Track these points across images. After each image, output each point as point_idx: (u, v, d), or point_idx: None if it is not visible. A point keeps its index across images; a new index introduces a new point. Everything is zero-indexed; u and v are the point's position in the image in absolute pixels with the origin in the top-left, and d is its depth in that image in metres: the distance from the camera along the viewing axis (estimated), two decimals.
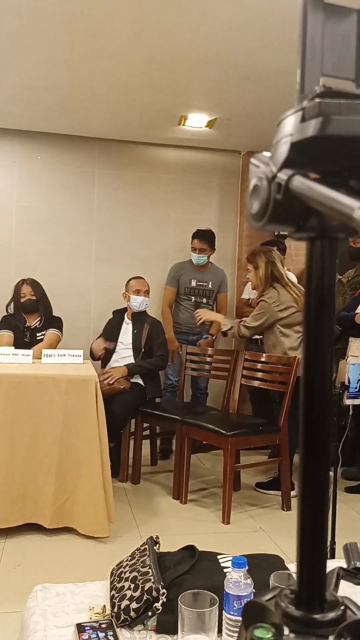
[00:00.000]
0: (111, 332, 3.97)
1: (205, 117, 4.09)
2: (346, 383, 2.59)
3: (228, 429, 3.14)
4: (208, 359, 4.07)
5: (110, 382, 3.63)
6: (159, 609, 1.22)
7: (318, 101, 0.41)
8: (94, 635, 1.16)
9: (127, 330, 3.96)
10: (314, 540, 0.46)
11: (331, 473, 1.57)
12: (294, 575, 1.13)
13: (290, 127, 0.43)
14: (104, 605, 1.28)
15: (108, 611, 1.26)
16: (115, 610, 1.24)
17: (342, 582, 0.57)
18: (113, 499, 2.83)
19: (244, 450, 3.59)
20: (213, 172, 4.95)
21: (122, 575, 1.36)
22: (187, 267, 4.44)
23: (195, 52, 3.03)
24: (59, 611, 1.27)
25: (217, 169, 4.96)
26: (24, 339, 3.78)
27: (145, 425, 3.85)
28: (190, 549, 1.47)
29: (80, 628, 1.18)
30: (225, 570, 1.33)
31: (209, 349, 4.16)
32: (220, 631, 1.13)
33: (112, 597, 1.30)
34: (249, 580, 1.16)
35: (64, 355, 3.28)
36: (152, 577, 1.28)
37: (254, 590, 1.16)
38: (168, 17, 2.66)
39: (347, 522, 2.92)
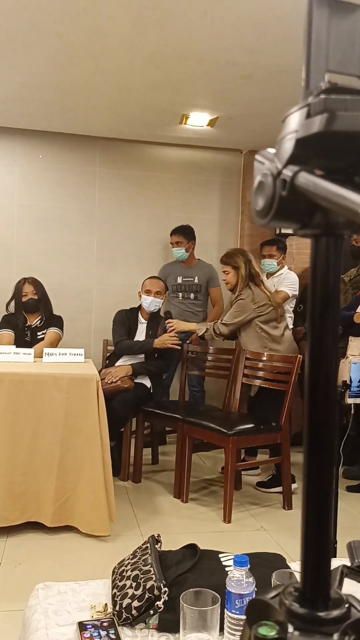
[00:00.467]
0: (124, 332, 3.93)
1: (206, 116, 4.09)
2: (348, 382, 2.59)
3: (229, 428, 3.14)
4: (209, 358, 4.06)
5: (114, 381, 3.62)
6: (160, 608, 1.22)
7: (323, 97, 0.40)
8: (95, 634, 1.16)
9: (141, 330, 3.94)
10: (318, 538, 0.46)
11: None
12: (296, 574, 1.13)
13: (295, 123, 0.43)
14: (106, 604, 1.28)
15: (110, 609, 1.26)
16: (117, 608, 1.24)
17: (346, 580, 0.57)
18: (114, 497, 2.83)
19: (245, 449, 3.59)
20: (214, 171, 4.95)
21: (124, 573, 1.36)
22: (174, 266, 4.52)
23: (197, 51, 3.03)
24: (61, 609, 1.27)
25: (219, 168, 4.96)
26: (25, 338, 3.78)
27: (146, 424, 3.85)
28: (192, 547, 1.47)
29: (82, 626, 1.18)
30: (226, 568, 1.33)
31: (210, 348, 4.16)
32: (222, 630, 1.13)
33: (113, 596, 1.30)
34: (251, 579, 1.16)
35: (65, 354, 3.28)
36: (153, 576, 1.28)
37: (255, 589, 1.16)
38: (169, 15, 2.66)
39: (348, 521, 2.92)
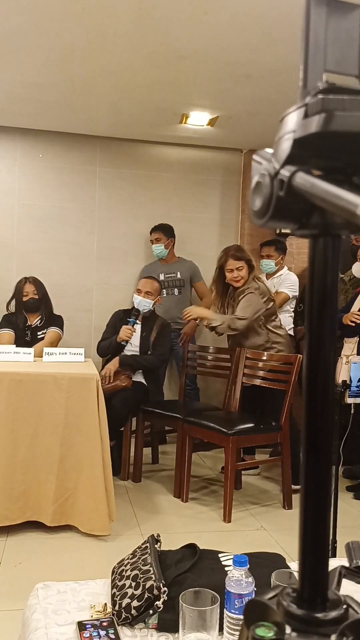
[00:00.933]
0: (112, 332, 3.93)
1: (206, 115, 4.08)
2: (347, 382, 2.59)
3: (229, 428, 3.14)
4: (209, 357, 4.06)
5: (111, 382, 3.62)
6: (160, 607, 1.22)
7: (321, 97, 0.40)
8: (95, 633, 1.16)
9: (136, 331, 3.91)
10: (316, 538, 0.46)
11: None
12: (296, 574, 1.13)
13: (293, 123, 0.42)
14: (105, 604, 1.28)
15: (109, 609, 1.26)
16: (117, 608, 1.25)
17: (344, 581, 0.57)
18: (114, 497, 2.83)
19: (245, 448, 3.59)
20: (214, 170, 4.95)
21: (124, 573, 1.36)
22: (155, 265, 4.56)
23: (197, 50, 3.03)
24: (60, 609, 1.27)
25: (219, 167, 4.95)
26: (25, 338, 3.78)
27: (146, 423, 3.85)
28: (192, 547, 1.47)
29: (82, 626, 1.18)
30: (226, 568, 1.33)
31: (210, 347, 4.16)
32: (221, 630, 1.13)
33: (113, 595, 1.30)
34: (250, 579, 1.16)
35: (66, 353, 3.28)
36: (153, 576, 1.28)
37: (255, 589, 1.16)
38: (169, 15, 2.66)
39: (347, 521, 2.92)
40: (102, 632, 1.17)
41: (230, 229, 5.00)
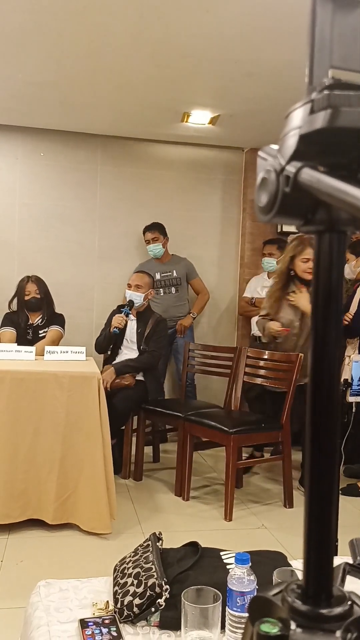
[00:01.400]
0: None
1: (208, 114, 4.08)
2: (349, 380, 2.59)
3: (230, 426, 3.14)
4: (211, 355, 4.06)
5: (108, 388, 3.57)
6: (162, 605, 1.22)
7: (327, 93, 0.40)
8: (97, 631, 1.16)
9: (132, 327, 3.89)
10: (320, 534, 0.46)
11: None
12: (297, 572, 1.13)
13: (298, 119, 0.42)
14: (107, 601, 1.28)
15: (111, 607, 1.26)
16: (119, 606, 1.25)
17: (348, 578, 0.57)
18: (115, 495, 2.83)
19: (246, 447, 3.60)
20: (216, 169, 4.94)
21: (125, 571, 1.36)
22: (149, 264, 4.55)
23: (199, 49, 3.03)
24: (62, 607, 1.27)
25: (220, 166, 4.95)
26: (27, 337, 3.78)
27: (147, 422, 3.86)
28: (193, 545, 1.47)
29: (84, 623, 1.18)
30: (228, 566, 1.34)
31: (211, 345, 4.16)
32: (223, 627, 1.13)
33: (115, 593, 1.30)
34: (252, 577, 1.16)
35: (67, 352, 3.28)
36: (155, 573, 1.28)
37: (257, 587, 1.16)
38: (171, 13, 2.66)
39: (349, 520, 2.92)
40: (105, 630, 1.17)
41: (232, 227, 5.00)
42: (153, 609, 1.23)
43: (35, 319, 3.84)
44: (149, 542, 1.46)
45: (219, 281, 4.92)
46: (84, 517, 2.77)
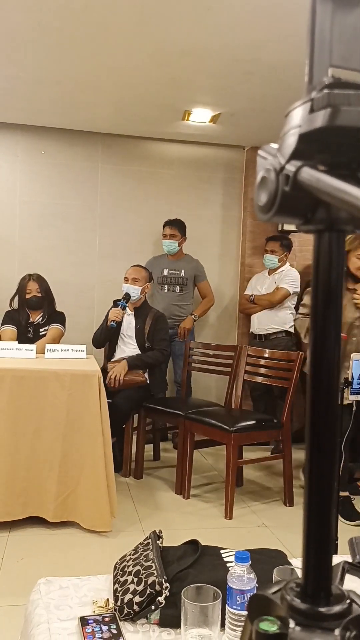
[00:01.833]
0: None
1: (209, 112, 4.08)
2: (349, 379, 2.59)
3: (231, 425, 3.14)
4: (211, 353, 4.06)
5: (116, 385, 3.58)
6: (162, 603, 1.22)
7: (327, 92, 0.40)
8: (97, 629, 1.17)
9: (129, 322, 3.88)
10: (320, 533, 0.46)
11: None
12: (297, 570, 1.13)
13: (298, 118, 0.42)
14: (107, 599, 1.29)
15: (111, 605, 1.27)
16: (119, 603, 1.25)
17: (347, 577, 0.57)
18: (116, 493, 2.84)
19: (247, 445, 3.60)
20: (217, 167, 4.94)
21: (126, 569, 1.36)
22: (162, 259, 4.54)
23: (200, 47, 3.02)
24: (63, 604, 1.27)
25: (221, 165, 4.95)
26: (27, 335, 3.78)
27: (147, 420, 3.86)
28: (193, 543, 1.47)
29: (84, 621, 1.19)
30: (228, 564, 1.34)
31: (211, 344, 4.16)
32: (223, 625, 1.14)
33: (115, 591, 1.30)
34: (252, 575, 1.17)
35: (67, 350, 3.28)
36: (155, 571, 1.29)
37: (257, 585, 1.16)
38: (172, 11, 2.65)
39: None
40: (105, 628, 1.17)
41: (232, 226, 4.99)
42: (153, 607, 1.23)
43: (36, 317, 3.84)
44: (149, 540, 1.46)
45: (220, 280, 4.91)
46: (85, 515, 2.77)
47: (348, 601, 0.45)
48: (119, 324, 3.79)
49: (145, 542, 1.47)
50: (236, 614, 1.13)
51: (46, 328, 3.82)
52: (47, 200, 4.64)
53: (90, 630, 1.16)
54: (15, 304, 3.86)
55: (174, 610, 1.20)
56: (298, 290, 4.34)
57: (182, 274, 4.47)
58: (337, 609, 0.44)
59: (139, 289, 3.82)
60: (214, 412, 3.53)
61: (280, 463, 3.44)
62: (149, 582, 1.26)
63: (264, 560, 1.35)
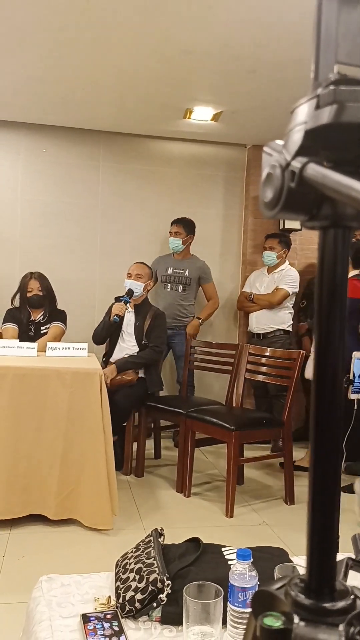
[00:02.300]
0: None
1: (210, 111, 4.07)
2: (351, 377, 2.59)
3: (232, 423, 3.14)
4: (213, 351, 4.06)
5: (108, 384, 3.56)
6: (163, 600, 1.23)
7: (333, 88, 0.40)
8: (99, 626, 1.17)
9: (129, 319, 3.87)
10: (324, 529, 0.46)
11: None
12: (299, 568, 1.13)
13: (304, 114, 0.42)
14: (109, 596, 1.29)
15: (113, 602, 1.27)
16: (120, 601, 1.25)
17: (351, 573, 0.57)
18: (117, 491, 2.84)
19: (247, 444, 3.60)
20: (218, 165, 4.94)
21: (127, 566, 1.36)
22: (167, 257, 4.54)
23: (201, 45, 3.02)
24: (64, 601, 1.28)
25: (222, 163, 4.94)
26: (29, 333, 3.78)
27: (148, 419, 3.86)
28: (195, 541, 1.47)
29: (86, 618, 1.19)
30: (229, 562, 1.34)
31: (212, 342, 4.16)
32: (224, 622, 1.14)
33: (117, 588, 1.30)
34: (254, 572, 1.17)
35: (69, 348, 3.28)
36: (157, 569, 1.29)
37: (258, 583, 1.16)
38: (174, 10, 2.65)
39: (348, 517, 2.92)
40: (106, 625, 1.17)
41: (234, 224, 4.99)
42: (155, 604, 1.23)
43: (37, 316, 3.84)
44: (151, 538, 1.46)
45: (221, 278, 4.91)
46: (86, 512, 2.78)
47: (352, 597, 0.46)
48: (122, 318, 3.78)
49: (147, 540, 1.47)
50: (238, 612, 1.14)
51: (47, 326, 3.83)
52: (48, 198, 4.64)
53: (92, 627, 1.16)
54: (17, 302, 3.86)
55: (175, 607, 1.20)
56: (297, 290, 4.33)
57: (187, 273, 4.46)
58: (341, 604, 0.45)
59: (141, 285, 3.81)
60: (215, 411, 3.54)
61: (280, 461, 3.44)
62: (150, 579, 1.26)
63: (265, 558, 1.35)
